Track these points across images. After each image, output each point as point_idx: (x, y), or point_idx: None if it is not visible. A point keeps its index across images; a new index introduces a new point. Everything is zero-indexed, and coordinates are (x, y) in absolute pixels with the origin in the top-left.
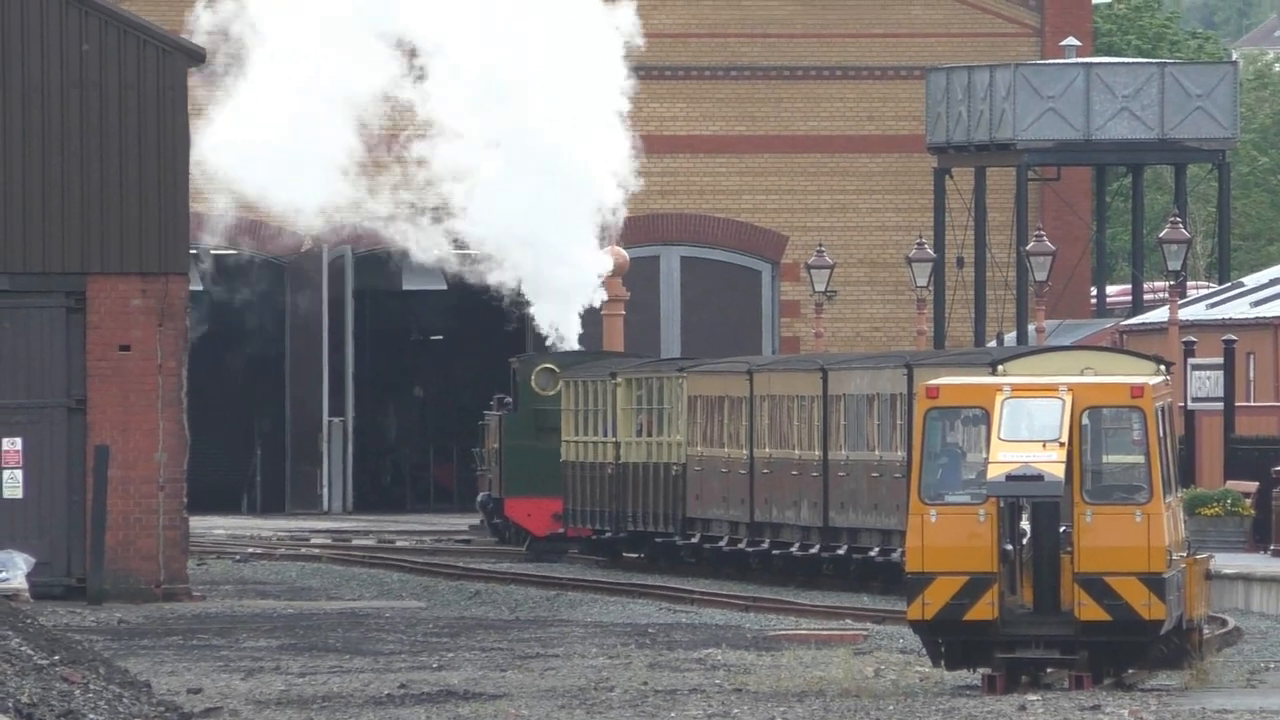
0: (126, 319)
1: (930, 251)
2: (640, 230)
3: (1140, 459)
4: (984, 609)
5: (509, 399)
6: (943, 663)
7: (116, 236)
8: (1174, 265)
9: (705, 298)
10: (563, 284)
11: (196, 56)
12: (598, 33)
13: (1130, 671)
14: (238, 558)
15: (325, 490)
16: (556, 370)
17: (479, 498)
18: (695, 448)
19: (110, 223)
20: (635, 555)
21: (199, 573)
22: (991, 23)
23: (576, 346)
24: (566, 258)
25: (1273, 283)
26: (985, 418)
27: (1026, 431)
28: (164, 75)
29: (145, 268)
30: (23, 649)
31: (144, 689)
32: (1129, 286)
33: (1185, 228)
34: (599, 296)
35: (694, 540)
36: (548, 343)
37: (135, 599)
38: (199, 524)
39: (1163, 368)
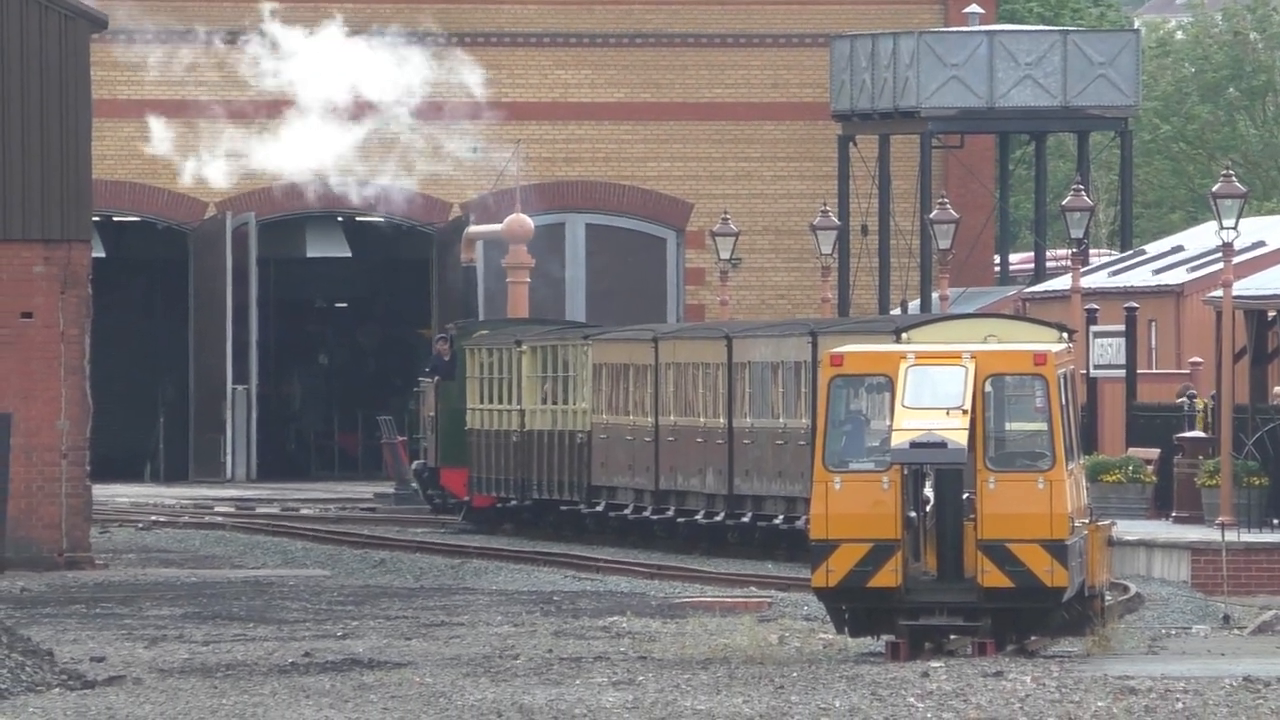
0: (29, 286)
1: (834, 219)
2: (545, 197)
3: (1043, 426)
4: (887, 576)
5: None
6: (847, 630)
7: (19, 203)
8: (1076, 233)
9: (610, 265)
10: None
11: (99, 23)
12: None
13: (1033, 638)
14: (141, 526)
15: (229, 458)
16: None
17: (413, 466)
18: (600, 415)
19: (12, 189)
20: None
21: (102, 541)
22: None
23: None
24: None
25: (1174, 250)
26: (889, 385)
27: (930, 398)
28: (66, 41)
29: (48, 235)
30: None
31: (46, 657)
32: (1032, 254)
33: (1088, 195)
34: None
35: (599, 508)
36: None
37: (38, 567)
38: (102, 492)
39: (1065, 335)
